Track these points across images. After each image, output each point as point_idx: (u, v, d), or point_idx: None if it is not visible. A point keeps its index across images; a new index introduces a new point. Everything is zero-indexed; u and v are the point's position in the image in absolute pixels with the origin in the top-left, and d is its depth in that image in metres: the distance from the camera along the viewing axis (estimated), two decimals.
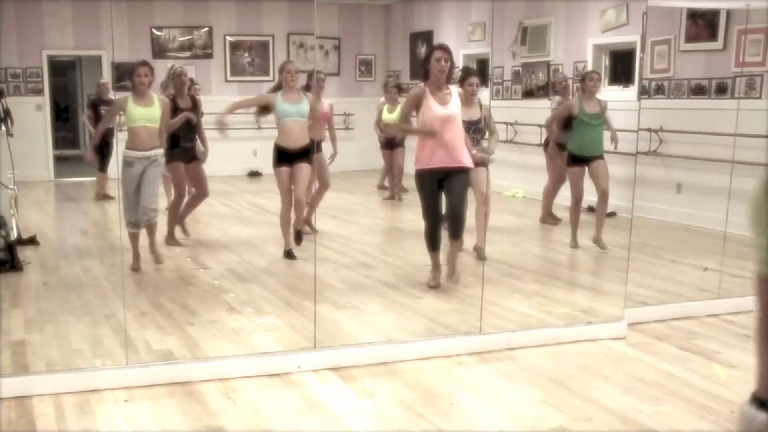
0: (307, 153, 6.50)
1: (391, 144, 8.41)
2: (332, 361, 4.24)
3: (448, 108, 5.47)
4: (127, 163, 5.92)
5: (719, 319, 5.24)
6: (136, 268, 6.12)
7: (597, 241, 6.97)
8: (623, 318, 4.90)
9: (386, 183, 9.09)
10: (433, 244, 5.70)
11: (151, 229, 6.21)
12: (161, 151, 6.08)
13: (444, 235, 5.76)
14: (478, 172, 6.20)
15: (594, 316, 5.04)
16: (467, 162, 5.54)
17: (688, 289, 5.82)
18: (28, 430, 3.47)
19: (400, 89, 8.52)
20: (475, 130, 6.31)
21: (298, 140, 6.43)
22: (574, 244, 7.09)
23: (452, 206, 5.60)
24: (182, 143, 6.79)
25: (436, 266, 5.74)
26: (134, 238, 6.11)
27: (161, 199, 6.58)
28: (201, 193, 7.19)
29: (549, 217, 7.87)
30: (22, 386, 3.83)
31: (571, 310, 5.22)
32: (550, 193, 7.80)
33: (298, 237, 6.67)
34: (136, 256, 6.13)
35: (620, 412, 3.70)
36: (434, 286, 5.70)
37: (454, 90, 5.61)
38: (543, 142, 8.05)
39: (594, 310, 5.20)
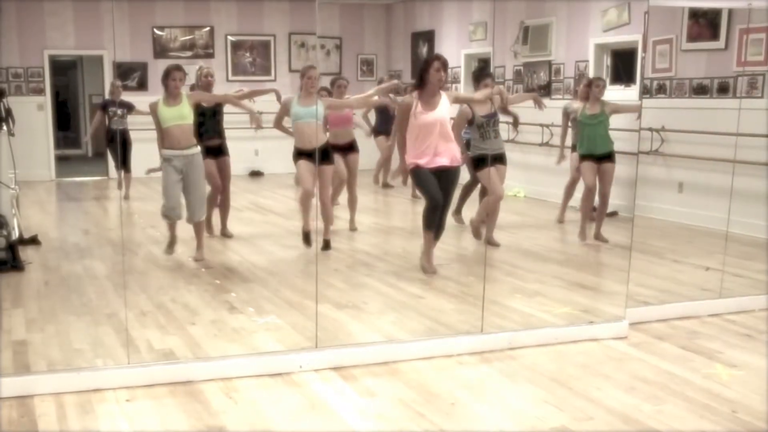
0: (326, 153, 6.64)
1: None
2: (333, 361, 4.24)
3: (434, 113, 5.84)
4: (166, 160, 6.20)
5: (721, 318, 5.23)
6: (169, 252, 6.48)
7: (597, 236, 7.20)
8: (625, 318, 4.90)
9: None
10: (430, 223, 6.00)
11: (199, 228, 6.51)
12: (198, 149, 6.31)
13: None
14: (498, 171, 6.76)
15: (595, 315, 5.04)
16: (454, 162, 5.97)
17: (690, 288, 5.82)
18: (29, 429, 3.48)
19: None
20: (492, 122, 6.68)
21: (312, 141, 6.51)
22: (584, 237, 7.22)
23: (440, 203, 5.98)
24: (205, 141, 6.82)
25: (430, 248, 6.05)
26: (171, 227, 6.43)
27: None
28: (222, 190, 7.25)
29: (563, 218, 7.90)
30: (24, 386, 3.83)
31: (572, 309, 5.22)
32: (567, 192, 7.88)
33: (327, 245, 6.78)
34: (173, 241, 6.47)
35: (621, 412, 3.70)
36: (433, 272, 5.97)
37: (444, 95, 5.95)
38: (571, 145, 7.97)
39: (595, 309, 5.20)
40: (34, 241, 6.96)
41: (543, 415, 3.66)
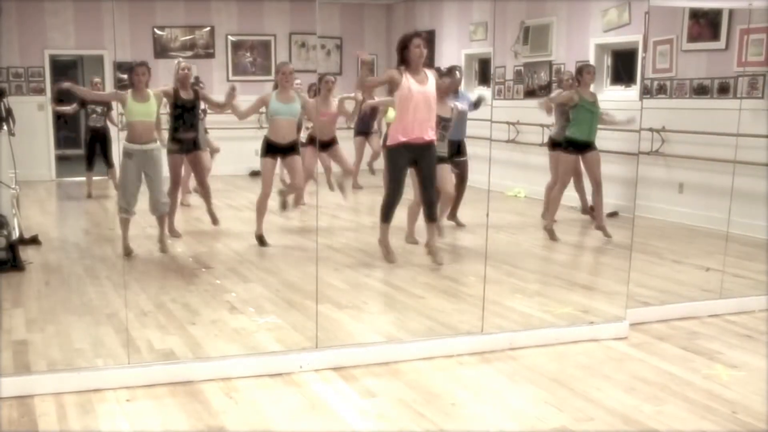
0: (294, 147, 6.99)
1: None
2: (334, 361, 4.24)
3: (425, 86, 5.95)
4: (127, 155, 6.41)
5: (721, 319, 5.23)
6: (128, 253, 6.50)
7: (601, 228, 7.26)
8: (625, 318, 4.90)
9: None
10: (387, 215, 6.27)
11: (162, 220, 6.69)
12: (158, 144, 6.54)
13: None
14: (443, 170, 6.62)
15: (596, 316, 5.04)
16: (433, 137, 6.08)
17: (690, 289, 5.82)
18: (29, 429, 3.47)
19: None
20: (444, 126, 6.67)
21: (286, 136, 6.90)
22: (549, 226, 7.34)
23: (424, 192, 6.19)
24: (180, 134, 7.08)
25: (386, 238, 6.30)
26: (125, 225, 6.51)
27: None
28: (198, 182, 7.51)
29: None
30: (24, 386, 3.83)
31: (572, 310, 5.22)
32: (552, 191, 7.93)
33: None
34: (126, 240, 6.52)
35: (622, 413, 3.70)
36: (393, 261, 6.21)
37: (431, 74, 6.06)
38: (547, 142, 8.07)
39: (596, 310, 5.19)
40: (34, 241, 6.96)
41: (543, 416, 3.66)
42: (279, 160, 7.04)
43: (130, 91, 6.43)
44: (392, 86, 6.02)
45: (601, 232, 7.23)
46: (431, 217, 6.25)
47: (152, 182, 6.50)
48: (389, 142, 6.12)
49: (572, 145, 7.23)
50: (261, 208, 7.03)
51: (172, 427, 3.51)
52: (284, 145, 6.92)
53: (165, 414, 3.63)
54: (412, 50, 5.85)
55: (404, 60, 5.92)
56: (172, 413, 3.64)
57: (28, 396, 3.78)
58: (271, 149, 6.94)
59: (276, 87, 6.92)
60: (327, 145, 7.73)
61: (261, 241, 6.98)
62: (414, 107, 5.93)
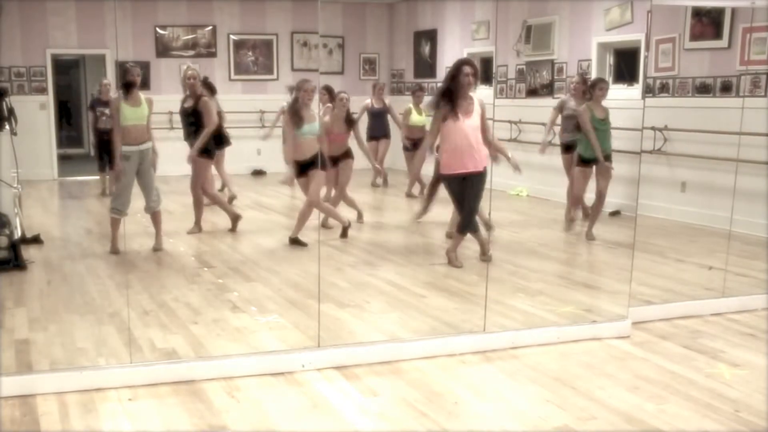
0: (315, 161, 6.91)
1: (417, 146, 8.50)
2: (336, 360, 4.23)
3: (470, 119, 5.93)
4: (124, 157, 6.54)
5: (724, 317, 5.22)
6: (115, 251, 6.63)
7: (587, 235, 7.29)
8: (627, 317, 4.89)
9: (414, 192, 9.06)
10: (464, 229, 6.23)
11: (156, 218, 6.79)
12: (150, 144, 6.63)
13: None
14: None
15: (598, 314, 5.03)
16: (485, 163, 6.05)
17: (693, 287, 5.81)
18: (31, 429, 3.47)
19: (422, 89, 9.21)
20: None
21: (306, 154, 6.89)
22: (569, 227, 7.51)
23: (465, 213, 6.18)
24: (187, 139, 7.33)
25: (457, 247, 6.28)
26: (116, 225, 6.61)
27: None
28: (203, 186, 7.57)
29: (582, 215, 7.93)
30: (26, 385, 3.83)
31: (575, 308, 5.21)
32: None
33: (297, 241, 7.03)
34: (116, 240, 6.65)
35: (624, 411, 3.70)
36: (459, 265, 6.21)
37: (476, 99, 6.01)
38: (561, 145, 8.02)
39: (598, 308, 5.19)
40: (36, 240, 6.97)
41: (546, 415, 3.66)
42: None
43: (120, 93, 6.57)
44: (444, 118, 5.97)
45: (585, 238, 7.32)
46: (463, 231, 6.27)
47: (144, 181, 6.61)
48: (443, 171, 6.14)
49: (582, 160, 7.26)
50: (302, 217, 6.99)
51: (174, 426, 3.51)
52: (307, 161, 6.90)
53: (167, 413, 3.63)
54: (462, 78, 5.81)
55: (451, 91, 5.86)
56: (174, 412, 3.64)
57: (31, 395, 3.78)
58: (300, 169, 6.93)
59: (296, 101, 6.83)
60: (339, 158, 7.57)
61: (296, 242, 6.97)
62: (455, 142, 5.93)
